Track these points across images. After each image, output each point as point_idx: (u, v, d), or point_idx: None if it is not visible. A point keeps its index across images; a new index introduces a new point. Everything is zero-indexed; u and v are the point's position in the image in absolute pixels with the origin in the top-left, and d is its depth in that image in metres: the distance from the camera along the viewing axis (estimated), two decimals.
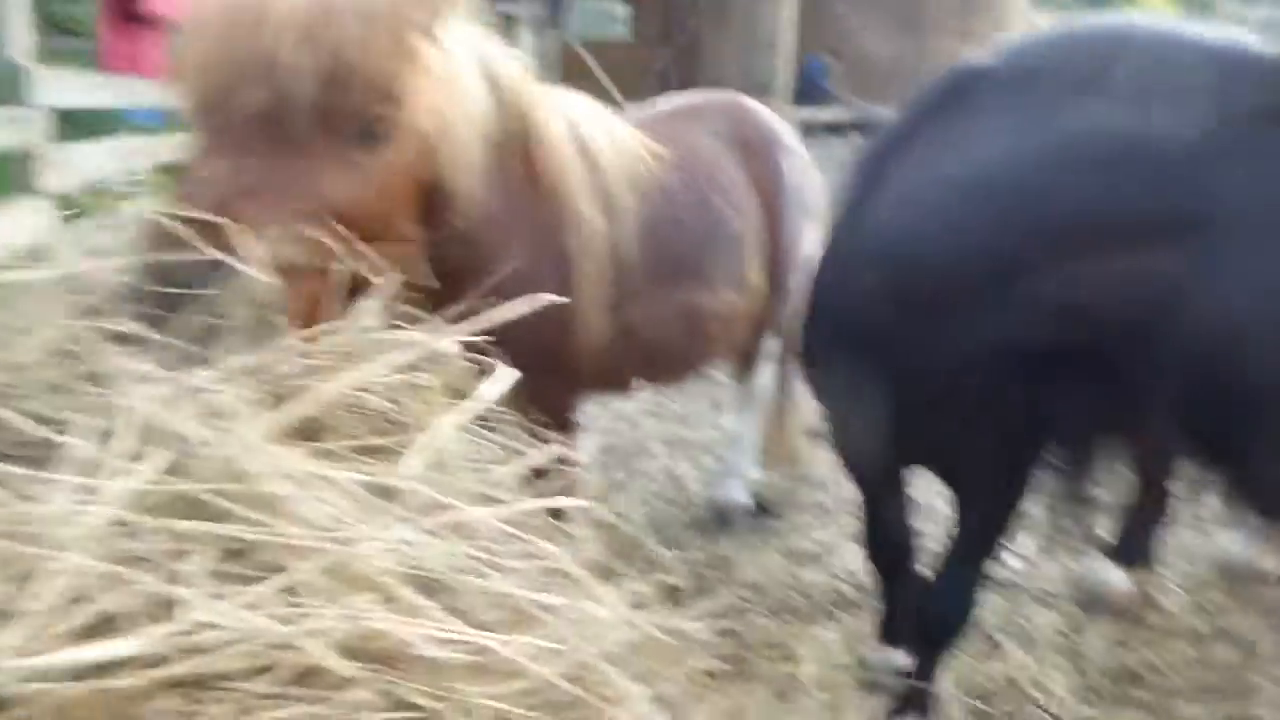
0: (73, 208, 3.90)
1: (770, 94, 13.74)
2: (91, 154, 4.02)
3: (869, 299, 1.97)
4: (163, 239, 1.49)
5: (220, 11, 1.73)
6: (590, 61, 13.26)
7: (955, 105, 1.89)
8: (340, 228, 1.74)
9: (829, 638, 2.88)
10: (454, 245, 2.08)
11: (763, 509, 3.72)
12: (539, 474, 1.55)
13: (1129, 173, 1.60)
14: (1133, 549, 3.16)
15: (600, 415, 4.35)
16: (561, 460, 1.58)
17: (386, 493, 1.21)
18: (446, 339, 1.44)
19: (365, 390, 1.40)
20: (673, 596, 2.95)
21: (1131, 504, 3.11)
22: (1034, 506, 2.17)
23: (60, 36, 10.73)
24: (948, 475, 2.25)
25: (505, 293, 2.16)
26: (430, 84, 1.86)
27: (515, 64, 2.23)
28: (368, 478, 1.18)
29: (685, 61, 18.02)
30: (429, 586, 1.12)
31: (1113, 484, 2.18)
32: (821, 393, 2.38)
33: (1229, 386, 1.56)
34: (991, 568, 2.29)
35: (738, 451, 3.71)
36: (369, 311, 1.55)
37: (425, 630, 1.00)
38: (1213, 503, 3.53)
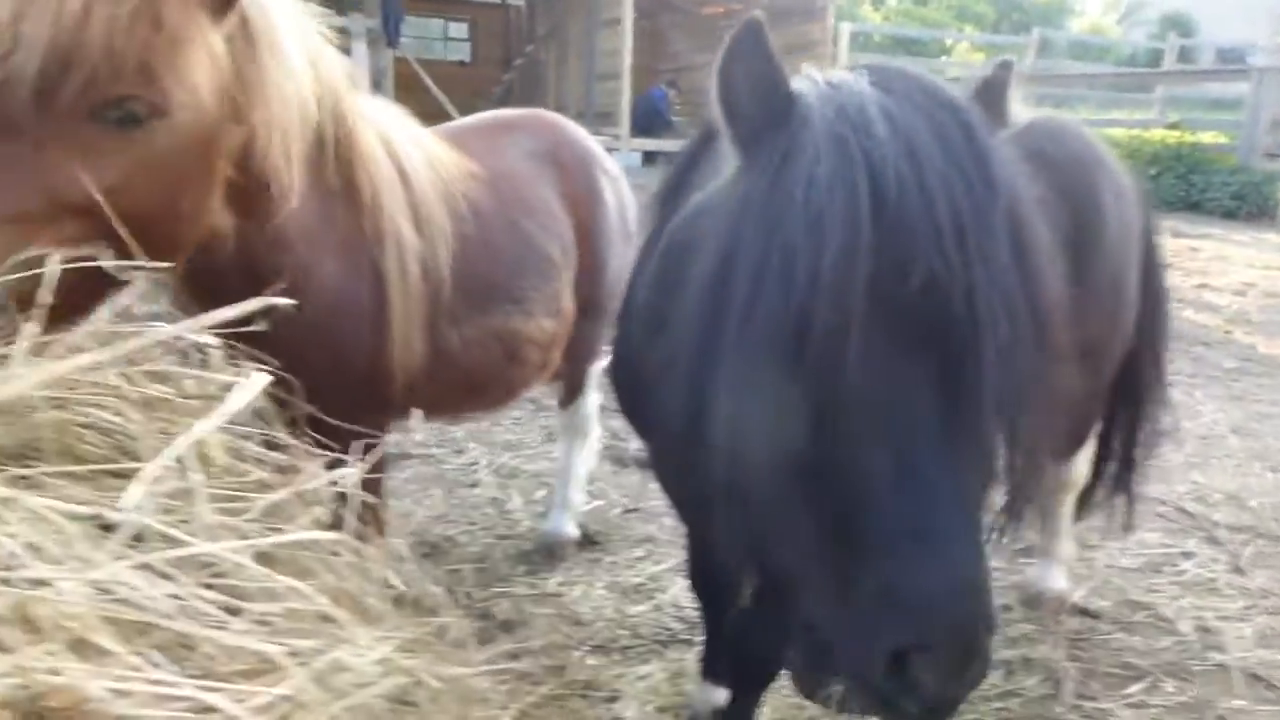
0: None
1: (613, 122, 13.92)
2: None
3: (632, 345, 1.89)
4: None
5: None
6: (425, 79, 13.06)
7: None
8: (89, 223, 1.55)
9: (655, 675, 2.80)
10: (258, 246, 1.93)
11: (591, 541, 3.62)
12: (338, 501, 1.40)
13: None
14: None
15: (427, 442, 4.17)
16: (366, 486, 1.43)
17: (103, 526, 1.04)
18: (189, 331, 1.27)
19: (97, 405, 1.22)
20: (485, 639, 2.82)
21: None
22: None
23: None
24: None
25: (316, 304, 2.02)
26: (207, 62, 1.68)
27: (336, 61, 2.08)
28: (76, 508, 1.00)
29: (526, 86, 18.09)
30: (150, 636, 0.95)
31: None
32: (642, 431, 2.30)
33: None
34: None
35: (565, 482, 3.60)
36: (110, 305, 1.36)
37: (126, 684, 0.84)
38: (1019, 532, 3.71)
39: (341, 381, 2.10)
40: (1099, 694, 2.84)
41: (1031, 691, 2.84)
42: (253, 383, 1.23)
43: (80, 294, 1.46)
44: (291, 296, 1.75)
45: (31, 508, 0.98)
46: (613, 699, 2.69)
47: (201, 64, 1.66)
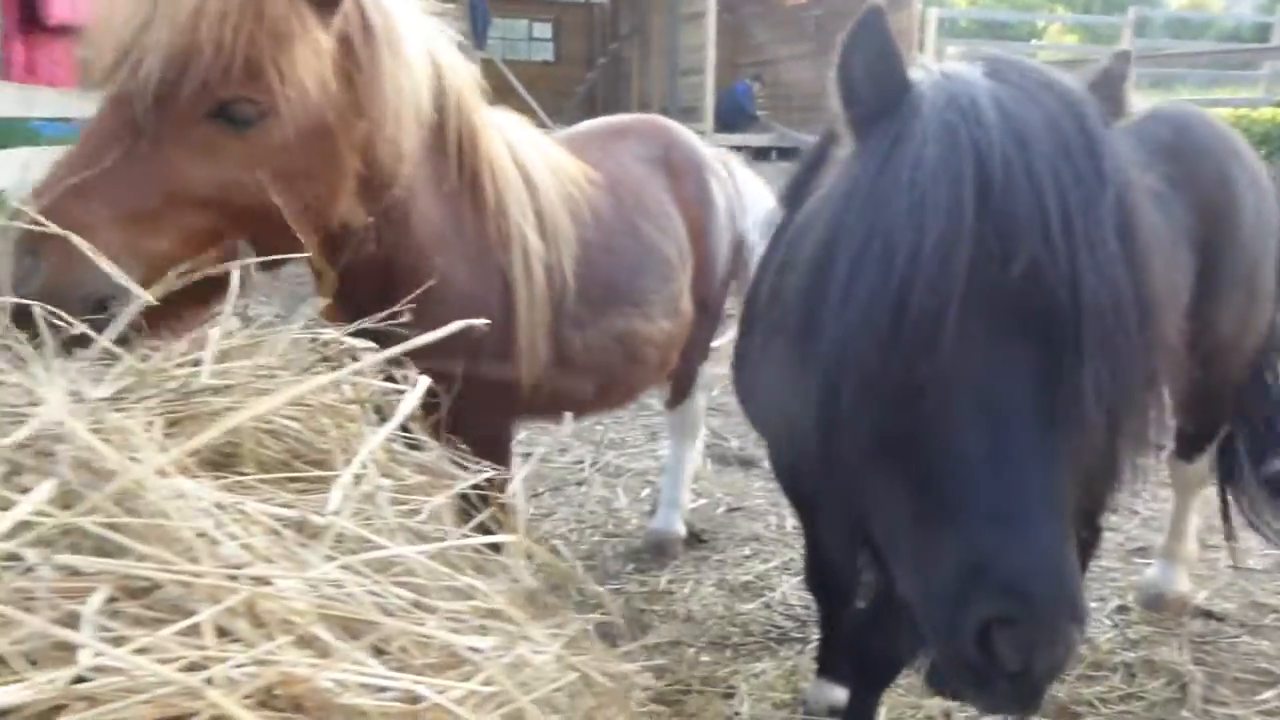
0: None
1: (697, 118, 13.92)
2: None
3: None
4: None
5: (106, 3, 1.64)
6: (514, 81, 13.26)
7: None
8: (217, 222, 1.64)
9: (768, 673, 2.83)
10: (386, 246, 2.00)
11: (697, 539, 3.67)
12: (469, 503, 1.47)
13: None
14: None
15: (534, 442, 4.26)
16: (495, 488, 1.50)
17: (305, 528, 1.12)
18: (372, 357, 1.35)
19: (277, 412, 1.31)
20: (608, 635, 2.88)
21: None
22: None
23: None
24: None
25: (444, 309, 2.10)
26: (314, 57, 1.74)
27: (463, 68, 2.16)
28: (285, 511, 1.08)
29: (609, 83, 18.20)
30: (351, 629, 1.03)
31: None
32: (757, 421, 2.33)
33: None
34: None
35: (674, 480, 3.66)
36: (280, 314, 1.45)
37: (347, 676, 0.91)
38: (1136, 531, 3.62)
39: (469, 388, 2.18)
40: (1229, 700, 2.77)
41: (1155, 695, 2.78)
42: (418, 389, 1.30)
43: (202, 294, 1.56)
44: (426, 301, 1.84)
45: (245, 511, 1.06)
46: (728, 695, 2.73)
47: (307, 61, 1.72)
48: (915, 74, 1.43)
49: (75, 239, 1.41)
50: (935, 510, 1.30)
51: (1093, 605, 3.22)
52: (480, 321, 1.47)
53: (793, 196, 2.07)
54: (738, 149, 3.28)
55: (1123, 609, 3.26)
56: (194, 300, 1.60)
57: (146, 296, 1.38)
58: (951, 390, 1.27)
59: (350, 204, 1.90)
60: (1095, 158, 1.30)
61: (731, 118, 14.99)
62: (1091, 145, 1.31)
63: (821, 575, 2.46)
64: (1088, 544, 2.98)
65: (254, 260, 1.69)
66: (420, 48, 2.00)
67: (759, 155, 11.98)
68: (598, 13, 19.58)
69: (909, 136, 1.33)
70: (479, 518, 1.35)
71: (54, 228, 1.41)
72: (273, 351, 1.45)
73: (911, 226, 1.27)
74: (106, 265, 1.39)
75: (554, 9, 19.62)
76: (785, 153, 12.97)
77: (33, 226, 1.44)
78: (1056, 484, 1.28)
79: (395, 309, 1.59)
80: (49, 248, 1.45)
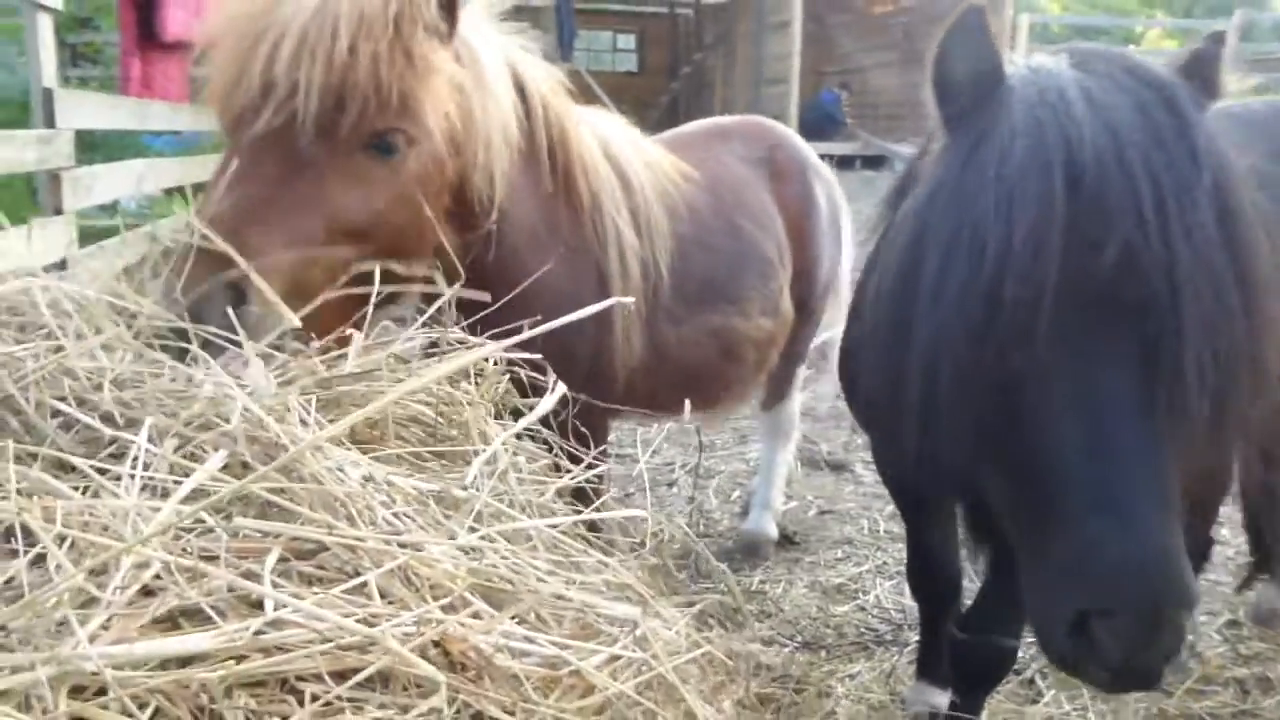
0: (92, 228, 3.91)
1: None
2: (106, 176, 4.02)
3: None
4: (183, 263, 1.49)
5: (228, 29, 1.73)
6: (598, 91, 13.42)
7: None
8: (361, 242, 1.73)
9: (864, 675, 2.82)
10: (485, 254, 2.07)
11: (789, 541, 3.67)
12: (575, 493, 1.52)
13: None
14: None
15: (623, 442, 4.31)
16: (598, 479, 1.55)
17: (445, 501, 1.18)
18: (493, 351, 1.41)
19: (412, 399, 1.38)
20: (731, 617, 2.91)
21: None
22: None
23: (82, 64, 10.91)
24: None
25: (541, 306, 2.16)
26: (446, 89, 1.83)
27: (544, 74, 2.22)
28: (428, 485, 1.14)
29: (692, 93, 18.27)
30: (493, 596, 1.08)
31: None
32: (865, 421, 2.34)
33: None
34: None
35: (767, 482, 3.66)
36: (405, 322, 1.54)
37: (501, 640, 0.96)
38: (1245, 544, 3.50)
39: (567, 379, 2.23)
40: None
41: (1270, 713, 2.69)
42: (556, 391, 1.35)
43: (352, 308, 1.65)
44: (523, 301, 1.90)
45: (393, 483, 1.13)
46: (823, 695, 2.72)
47: (443, 92, 1.83)
48: (1009, 69, 1.43)
49: (251, 270, 1.51)
50: (1039, 503, 1.31)
51: (1202, 619, 3.13)
52: (628, 300, 1.54)
53: (896, 199, 2.09)
54: (822, 157, 3.29)
55: (1233, 624, 3.16)
56: (339, 315, 1.68)
57: (294, 319, 1.49)
58: (1049, 381, 1.28)
59: (445, 227, 1.96)
60: (1188, 141, 1.30)
61: (819, 126, 14.91)
62: (1183, 129, 1.31)
63: (923, 575, 2.44)
64: (1199, 555, 2.90)
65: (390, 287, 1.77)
66: (500, 67, 2.06)
67: (843, 164, 11.89)
68: (681, 23, 19.70)
69: (995, 131, 1.34)
70: (604, 497, 1.40)
71: (238, 258, 1.51)
72: (401, 347, 1.54)
73: (1000, 219, 1.28)
74: (271, 295, 1.49)
75: (638, 20, 19.82)
76: (870, 161, 12.84)
77: (211, 247, 1.53)
78: (1160, 473, 1.27)
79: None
80: (232, 273, 1.53)
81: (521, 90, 2.12)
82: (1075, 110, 1.30)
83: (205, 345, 1.37)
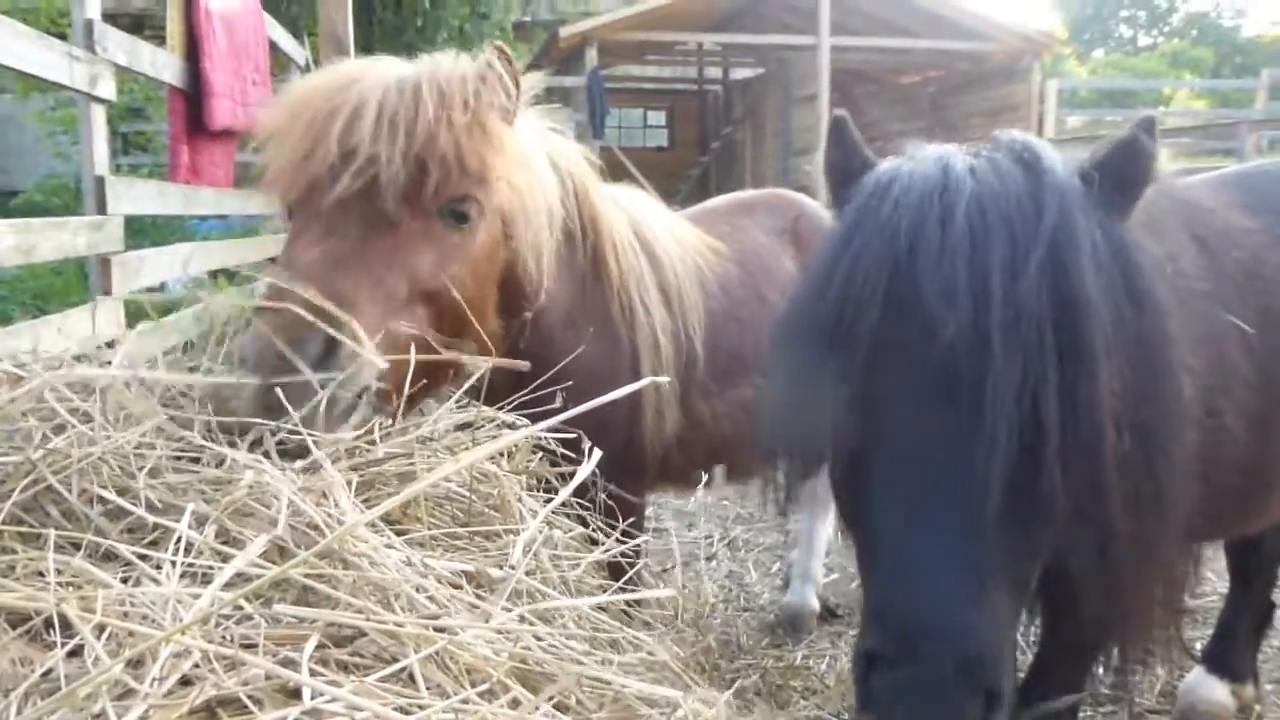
0: (139, 310, 4.01)
1: (809, 196, 13.99)
2: (154, 259, 4.13)
3: None
4: (274, 323, 1.51)
5: (297, 110, 1.79)
6: (630, 167, 13.67)
7: None
8: (429, 307, 1.76)
9: None
10: (519, 339, 2.10)
11: (832, 614, 3.60)
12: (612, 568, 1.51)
13: None
14: (1234, 661, 2.91)
15: (661, 516, 4.28)
16: (634, 553, 1.54)
17: (479, 581, 1.18)
18: (529, 432, 1.42)
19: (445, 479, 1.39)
20: (775, 694, 2.85)
21: (1231, 613, 2.94)
22: None
23: (133, 152, 11.33)
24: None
25: (575, 386, 2.17)
26: (508, 164, 1.89)
27: (577, 155, 2.27)
28: (464, 566, 1.14)
29: (723, 166, 18.52)
30: (530, 678, 1.07)
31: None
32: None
33: None
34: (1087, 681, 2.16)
35: (807, 553, 3.61)
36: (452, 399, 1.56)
37: None
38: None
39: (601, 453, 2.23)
40: None
41: None
42: (591, 460, 1.36)
43: (436, 377, 1.68)
44: (558, 378, 1.92)
45: (430, 565, 1.13)
46: None
47: (504, 165, 1.88)
48: (885, 162, 1.56)
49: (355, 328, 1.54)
50: (870, 545, 1.39)
51: (1268, 687, 3.01)
52: (663, 380, 1.57)
53: None
54: None
55: None
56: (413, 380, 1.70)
57: (382, 363, 1.54)
58: (870, 441, 1.36)
59: (500, 310, 2.01)
60: (1036, 220, 1.35)
61: None
62: (1037, 205, 1.36)
63: None
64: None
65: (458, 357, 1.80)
66: (540, 148, 2.11)
67: None
68: (710, 99, 20.08)
69: (844, 212, 1.51)
70: (635, 569, 1.39)
71: (345, 318, 1.54)
72: (432, 426, 1.56)
73: (828, 287, 1.41)
74: (364, 337, 1.52)
75: (668, 98, 20.23)
76: None
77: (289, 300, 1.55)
78: (973, 537, 1.28)
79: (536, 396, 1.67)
80: (333, 333, 1.54)
81: (555, 170, 2.17)
82: (909, 196, 1.41)
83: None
